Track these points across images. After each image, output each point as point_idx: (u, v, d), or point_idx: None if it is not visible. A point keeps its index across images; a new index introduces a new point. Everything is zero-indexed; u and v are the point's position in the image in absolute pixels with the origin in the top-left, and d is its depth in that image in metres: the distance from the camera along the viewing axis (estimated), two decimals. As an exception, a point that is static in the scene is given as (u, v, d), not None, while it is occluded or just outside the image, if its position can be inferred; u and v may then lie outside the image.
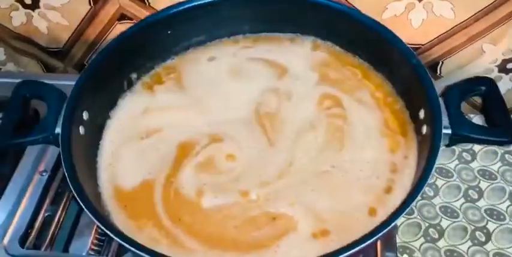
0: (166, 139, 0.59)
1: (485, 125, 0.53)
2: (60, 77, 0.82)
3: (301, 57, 0.64)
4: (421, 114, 0.53)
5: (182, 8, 0.62)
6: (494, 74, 0.77)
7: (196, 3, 0.62)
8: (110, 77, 0.61)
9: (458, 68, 0.76)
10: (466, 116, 0.61)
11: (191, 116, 0.61)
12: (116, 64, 0.61)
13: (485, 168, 0.74)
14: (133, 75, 0.64)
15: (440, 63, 0.77)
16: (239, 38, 0.68)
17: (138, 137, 0.59)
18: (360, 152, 0.56)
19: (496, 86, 0.53)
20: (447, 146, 0.51)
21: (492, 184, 0.72)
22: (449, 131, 0.49)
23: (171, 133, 0.59)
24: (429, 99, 0.50)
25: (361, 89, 0.61)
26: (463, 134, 0.49)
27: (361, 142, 0.57)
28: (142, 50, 0.63)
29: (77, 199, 0.47)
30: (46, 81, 0.59)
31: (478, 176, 0.73)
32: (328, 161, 0.55)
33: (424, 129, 0.52)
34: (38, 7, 0.78)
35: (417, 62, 0.53)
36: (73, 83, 0.55)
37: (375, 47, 0.59)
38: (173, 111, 0.61)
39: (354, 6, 0.71)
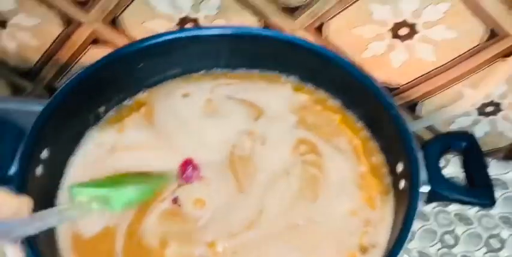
0: None
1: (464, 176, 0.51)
2: (27, 101, 0.78)
3: (280, 98, 0.62)
4: (399, 167, 0.51)
5: (157, 41, 0.59)
6: (473, 117, 0.76)
7: (172, 37, 0.59)
8: (76, 111, 0.57)
9: (437, 109, 0.75)
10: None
11: (161, 156, 0.58)
12: (83, 97, 0.57)
13: (461, 212, 0.72)
14: (101, 109, 0.61)
15: (420, 104, 0.75)
16: (217, 73, 0.65)
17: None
18: (334, 204, 0.53)
19: (476, 143, 0.51)
20: (425, 202, 0.49)
21: (468, 229, 0.71)
22: (427, 189, 0.47)
23: (139, 175, 0.56)
24: (408, 153, 0.48)
25: (338, 135, 0.59)
26: (441, 193, 0.47)
27: (335, 193, 0.54)
28: (111, 83, 0.60)
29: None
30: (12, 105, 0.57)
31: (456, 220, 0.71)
32: (300, 213, 0.53)
33: (402, 184, 0.50)
34: (7, 26, 0.75)
35: (397, 113, 0.51)
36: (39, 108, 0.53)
37: (355, 94, 0.57)
38: (142, 151, 0.58)
39: (335, 45, 0.69)
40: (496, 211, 0.72)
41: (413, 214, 0.44)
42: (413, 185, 0.46)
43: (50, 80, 0.84)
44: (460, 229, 0.71)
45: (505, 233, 0.71)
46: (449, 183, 0.48)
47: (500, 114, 0.75)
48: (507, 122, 0.76)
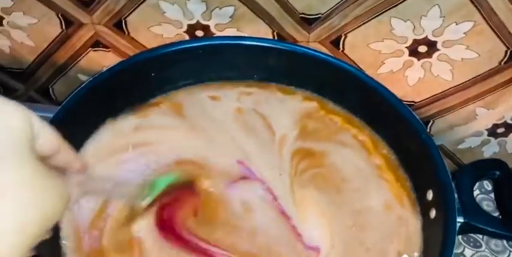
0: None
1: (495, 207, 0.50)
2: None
3: (287, 112, 0.61)
4: (429, 195, 0.49)
5: (171, 49, 0.56)
6: (483, 137, 0.75)
7: (187, 46, 0.56)
8: (85, 119, 0.54)
9: (448, 128, 0.74)
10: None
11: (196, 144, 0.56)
12: (91, 106, 0.54)
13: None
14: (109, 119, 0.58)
15: (431, 121, 0.74)
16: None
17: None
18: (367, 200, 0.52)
19: (510, 171, 0.49)
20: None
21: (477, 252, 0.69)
22: (461, 220, 0.45)
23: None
24: (441, 182, 0.46)
25: (341, 133, 0.58)
26: (477, 225, 0.45)
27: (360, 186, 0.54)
28: (122, 91, 0.57)
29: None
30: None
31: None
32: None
33: (433, 213, 0.48)
34: (1, 25, 0.71)
35: (427, 137, 0.49)
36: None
37: (378, 113, 0.55)
38: (170, 132, 0.57)
39: (351, 59, 0.67)
40: (503, 233, 0.70)
41: (451, 247, 0.41)
42: (449, 217, 0.44)
43: (44, 82, 0.80)
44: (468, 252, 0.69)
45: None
46: (485, 215, 0.46)
47: (511, 135, 0.74)
48: (517, 143, 0.75)
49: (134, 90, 0.58)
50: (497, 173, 0.49)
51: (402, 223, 0.51)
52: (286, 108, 0.61)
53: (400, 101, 0.51)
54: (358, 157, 0.56)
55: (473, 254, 0.68)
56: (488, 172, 0.50)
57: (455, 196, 0.45)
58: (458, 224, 0.45)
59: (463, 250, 0.67)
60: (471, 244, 0.68)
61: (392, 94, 0.51)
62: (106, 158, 0.55)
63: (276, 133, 0.58)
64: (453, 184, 0.46)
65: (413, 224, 0.51)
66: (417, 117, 0.50)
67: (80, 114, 0.51)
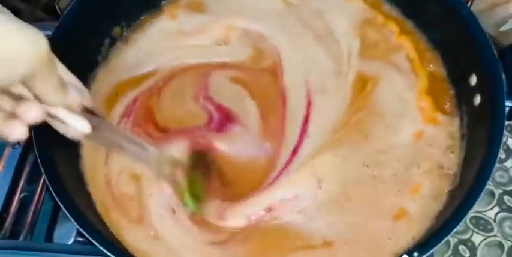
0: None
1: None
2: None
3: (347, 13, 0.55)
4: (472, 80, 0.44)
5: None
6: (527, 17, 0.67)
7: None
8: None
9: (489, 8, 0.66)
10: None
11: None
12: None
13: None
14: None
15: (469, 2, 0.66)
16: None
17: None
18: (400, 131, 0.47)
19: None
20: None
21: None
22: (510, 104, 0.40)
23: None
24: (486, 63, 0.40)
25: (395, 51, 0.52)
26: (526, 108, 0.40)
27: (395, 117, 0.48)
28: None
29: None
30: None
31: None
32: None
33: (478, 99, 0.43)
34: None
35: (468, 13, 0.43)
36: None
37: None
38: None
39: None
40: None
41: (501, 127, 0.37)
42: (495, 98, 0.39)
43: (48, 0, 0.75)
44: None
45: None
46: (536, 95, 0.41)
47: (558, 12, 0.66)
48: None
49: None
50: (551, 48, 0.43)
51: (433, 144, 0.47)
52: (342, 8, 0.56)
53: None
54: (404, 85, 0.51)
55: (484, 239, 0.60)
56: (541, 48, 0.44)
57: (503, 76, 0.40)
58: (507, 109, 0.40)
59: (472, 235, 0.60)
60: (480, 227, 0.61)
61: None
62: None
63: (339, 42, 0.54)
64: (500, 63, 0.41)
65: (451, 131, 0.47)
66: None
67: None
